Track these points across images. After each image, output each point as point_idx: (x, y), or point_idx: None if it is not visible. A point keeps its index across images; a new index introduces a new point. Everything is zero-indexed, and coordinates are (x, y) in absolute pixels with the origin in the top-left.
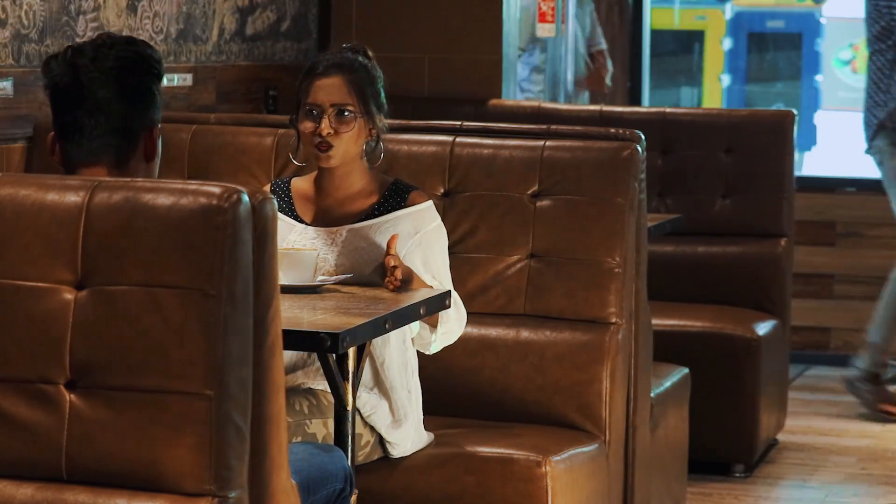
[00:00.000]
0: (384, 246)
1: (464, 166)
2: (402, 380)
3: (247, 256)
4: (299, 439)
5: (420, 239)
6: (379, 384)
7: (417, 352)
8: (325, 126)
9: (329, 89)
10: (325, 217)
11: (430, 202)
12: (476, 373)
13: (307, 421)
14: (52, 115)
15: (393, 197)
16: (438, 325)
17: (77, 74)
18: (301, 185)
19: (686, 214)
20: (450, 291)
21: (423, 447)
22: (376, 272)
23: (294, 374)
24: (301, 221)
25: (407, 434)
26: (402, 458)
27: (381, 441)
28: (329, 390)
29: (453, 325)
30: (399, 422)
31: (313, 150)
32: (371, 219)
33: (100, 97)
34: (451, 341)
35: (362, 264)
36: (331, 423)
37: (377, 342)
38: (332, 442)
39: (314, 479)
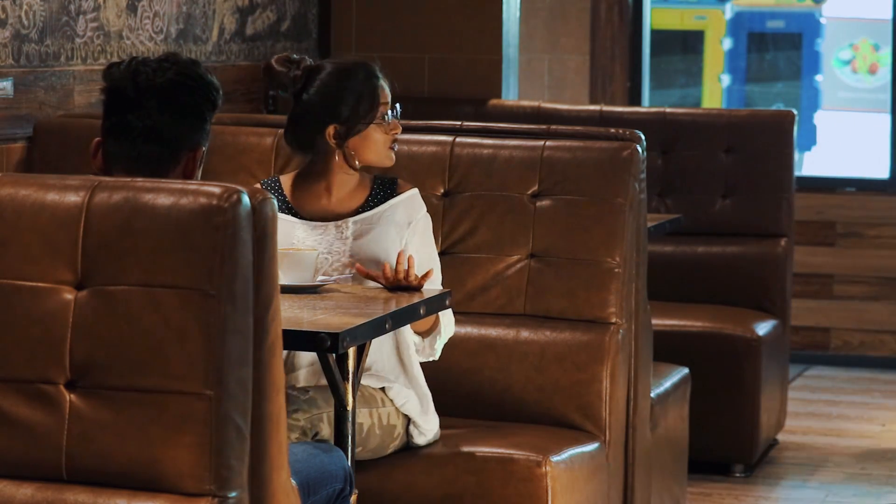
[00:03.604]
0: (389, 234)
1: (464, 166)
2: (418, 370)
3: (247, 256)
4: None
5: (413, 229)
6: (406, 373)
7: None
8: (399, 125)
9: (387, 92)
10: (324, 213)
11: (416, 189)
12: (476, 373)
13: (357, 410)
14: (103, 118)
15: (383, 188)
16: (441, 325)
17: (136, 80)
18: (291, 182)
19: (686, 214)
20: (450, 291)
21: (436, 439)
22: (379, 264)
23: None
24: (295, 213)
25: (434, 420)
26: (402, 458)
27: (406, 430)
28: (369, 384)
29: (449, 324)
30: (427, 408)
31: (387, 152)
32: (370, 209)
33: (151, 106)
34: (451, 334)
35: (374, 253)
36: (375, 412)
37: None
38: (378, 431)
39: (314, 480)
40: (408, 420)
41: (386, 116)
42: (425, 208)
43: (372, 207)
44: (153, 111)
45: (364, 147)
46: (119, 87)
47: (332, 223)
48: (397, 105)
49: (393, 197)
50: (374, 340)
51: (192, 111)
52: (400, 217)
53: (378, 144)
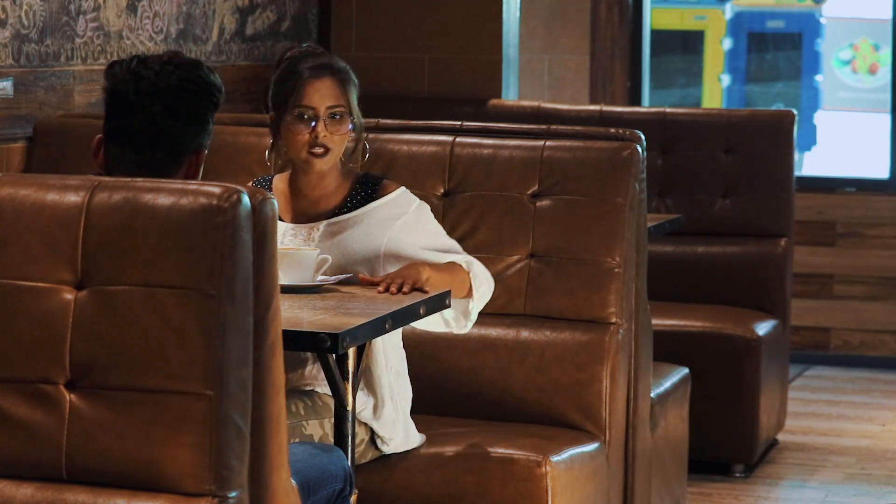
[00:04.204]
0: (361, 238)
1: (464, 166)
2: (386, 379)
3: (247, 256)
4: (296, 440)
5: (404, 224)
6: (366, 382)
7: (419, 350)
8: (323, 130)
9: (322, 91)
10: (302, 215)
11: (404, 188)
12: (476, 373)
13: (303, 422)
14: (105, 119)
15: (364, 189)
16: (473, 290)
17: (138, 84)
18: (279, 184)
19: (686, 214)
20: (449, 291)
21: (416, 447)
22: (356, 266)
23: (290, 375)
24: (281, 220)
25: (396, 429)
26: (401, 459)
27: (373, 440)
28: (325, 391)
29: (484, 285)
30: (383, 415)
31: (305, 155)
32: (345, 213)
33: (154, 111)
34: (487, 300)
35: (339, 258)
36: (327, 423)
37: None
38: (332, 440)
39: (314, 480)
40: (372, 430)
41: (304, 116)
42: (416, 202)
43: (348, 210)
44: (156, 116)
45: (285, 141)
46: (121, 91)
47: (303, 225)
48: (335, 112)
49: (373, 200)
50: None
51: (195, 115)
52: (382, 216)
53: (295, 143)
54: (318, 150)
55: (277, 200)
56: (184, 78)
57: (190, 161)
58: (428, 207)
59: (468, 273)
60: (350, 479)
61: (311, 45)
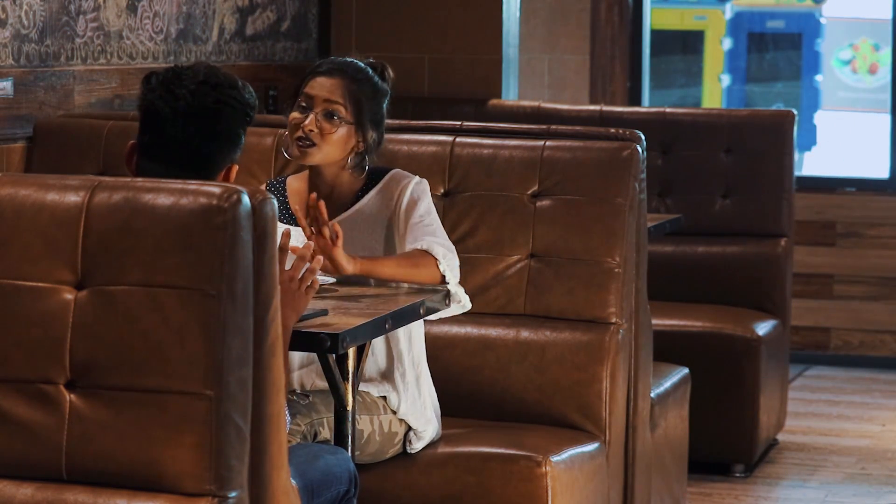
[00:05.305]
0: (369, 229)
1: (464, 166)
2: (413, 375)
3: (247, 256)
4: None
5: (402, 203)
6: (405, 379)
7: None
8: (311, 122)
9: (325, 87)
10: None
11: (396, 169)
12: (476, 373)
13: (358, 416)
14: (139, 130)
15: (370, 184)
16: (440, 265)
17: (174, 103)
18: (295, 184)
19: (686, 214)
20: (448, 291)
21: (435, 438)
22: (377, 253)
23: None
24: (294, 220)
25: (432, 425)
26: (401, 458)
27: (405, 437)
28: (370, 392)
29: (454, 264)
30: (428, 414)
31: (294, 144)
32: (351, 208)
33: (189, 132)
34: (455, 263)
35: (360, 250)
36: (376, 419)
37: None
38: (378, 437)
39: (318, 482)
40: (408, 426)
41: (303, 105)
42: (413, 178)
43: (353, 206)
44: (191, 137)
45: (288, 133)
46: (156, 106)
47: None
48: (329, 109)
49: (371, 190)
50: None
51: (229, 135)
52: (378, 201)
53: (290, 132)
54: (304, 142)
55: (292, 201)
56: (219, 100)
57: (221, 177)
58: (426, 184)
59: (425, 252)
60: (355, 481)
61: (375, 61)
